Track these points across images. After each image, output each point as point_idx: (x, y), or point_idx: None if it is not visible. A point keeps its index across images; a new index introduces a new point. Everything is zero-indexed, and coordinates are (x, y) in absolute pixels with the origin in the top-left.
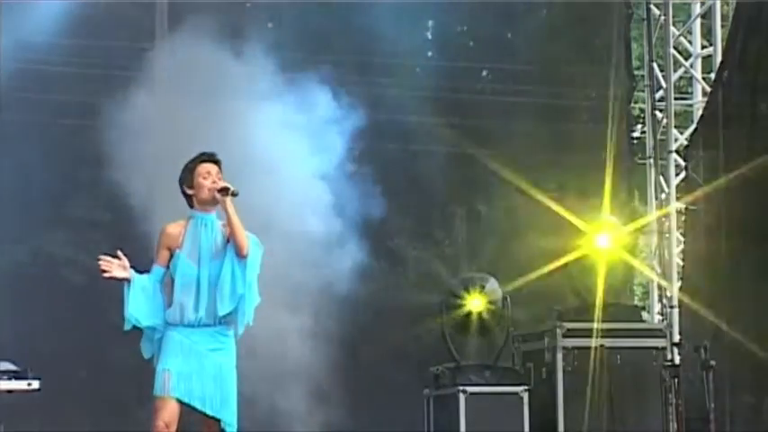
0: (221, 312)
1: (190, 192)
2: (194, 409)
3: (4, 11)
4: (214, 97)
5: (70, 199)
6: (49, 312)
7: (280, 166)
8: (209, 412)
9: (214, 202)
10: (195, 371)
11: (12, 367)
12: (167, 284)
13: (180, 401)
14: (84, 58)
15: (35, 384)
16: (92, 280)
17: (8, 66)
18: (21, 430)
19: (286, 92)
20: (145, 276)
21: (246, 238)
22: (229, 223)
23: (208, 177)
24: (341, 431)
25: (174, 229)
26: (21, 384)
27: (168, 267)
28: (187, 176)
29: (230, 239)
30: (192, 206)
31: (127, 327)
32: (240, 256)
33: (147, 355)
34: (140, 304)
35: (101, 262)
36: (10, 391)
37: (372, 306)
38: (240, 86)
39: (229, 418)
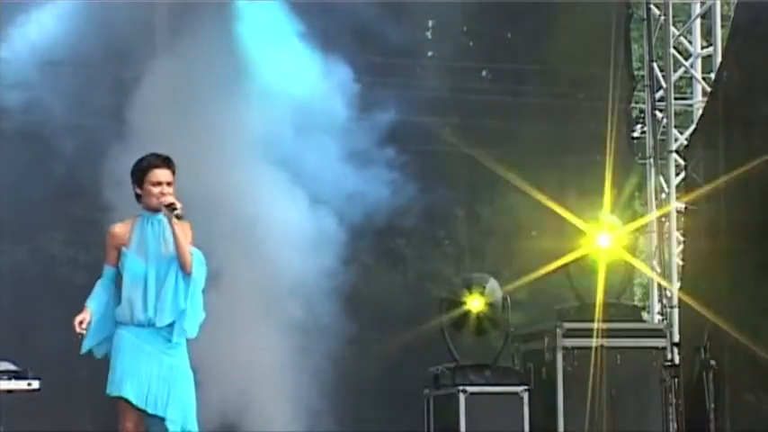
0: (159, 324)
1: (138, 191)
2: (133, 406)
3: (4, 10)
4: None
5: (70, 199)
6: (49, 312)
7: (276, 170)
8: (149, 410)
9: (159, 210)
10: (144, 370)
11: (12, 367)
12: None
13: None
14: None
15: (35, 384)
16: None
17: (8, 66)
18: (21, 430)
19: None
20: (95, 294)
21: (190, 255)
22: (174, 240)
23: (157, 186)
24: (341, 431)
25: (120, 228)
26: (21, 384)
27: (118, 267)
28: (138, 176)
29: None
30: (139, 202)
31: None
32: (184, 272)
33: (99, 355)
34: (97, 328)
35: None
36: (10, 391)
37: (372, 306)
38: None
39: (174, 415)
